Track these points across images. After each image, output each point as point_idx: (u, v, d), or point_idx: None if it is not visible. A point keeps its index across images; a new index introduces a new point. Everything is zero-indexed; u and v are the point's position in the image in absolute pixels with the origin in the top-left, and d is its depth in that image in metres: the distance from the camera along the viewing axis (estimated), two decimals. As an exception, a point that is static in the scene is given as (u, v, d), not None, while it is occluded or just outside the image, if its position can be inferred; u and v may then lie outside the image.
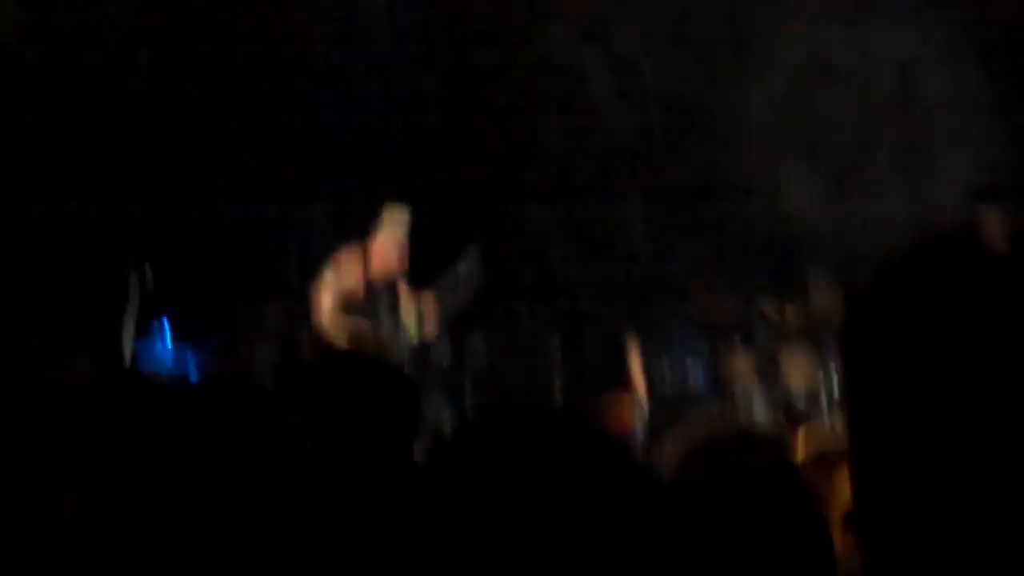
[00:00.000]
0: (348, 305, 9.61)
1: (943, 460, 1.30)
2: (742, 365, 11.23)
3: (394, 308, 9.77)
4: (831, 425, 10.38)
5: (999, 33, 12.58)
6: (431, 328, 10.04)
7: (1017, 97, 12.58)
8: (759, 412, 10.98)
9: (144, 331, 10.97)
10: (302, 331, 10.20)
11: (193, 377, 8.66)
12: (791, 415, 10.79)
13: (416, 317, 9.85)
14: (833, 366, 10.47)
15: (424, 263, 10.26)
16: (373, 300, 9.69)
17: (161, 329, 11.14)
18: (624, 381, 11.31)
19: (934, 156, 12.99)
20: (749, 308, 11.68)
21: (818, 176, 13.08)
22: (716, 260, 11.55)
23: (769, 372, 11.43)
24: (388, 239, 9.85)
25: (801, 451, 4.37)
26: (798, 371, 11.33)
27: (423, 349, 10.15)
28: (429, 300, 9.96)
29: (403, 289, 9.86)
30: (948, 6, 12.73)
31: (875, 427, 1.36)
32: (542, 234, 13.21)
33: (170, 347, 10.96)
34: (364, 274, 9.71)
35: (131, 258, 11.05)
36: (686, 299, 11.98)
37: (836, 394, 10.36)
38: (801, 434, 5.74)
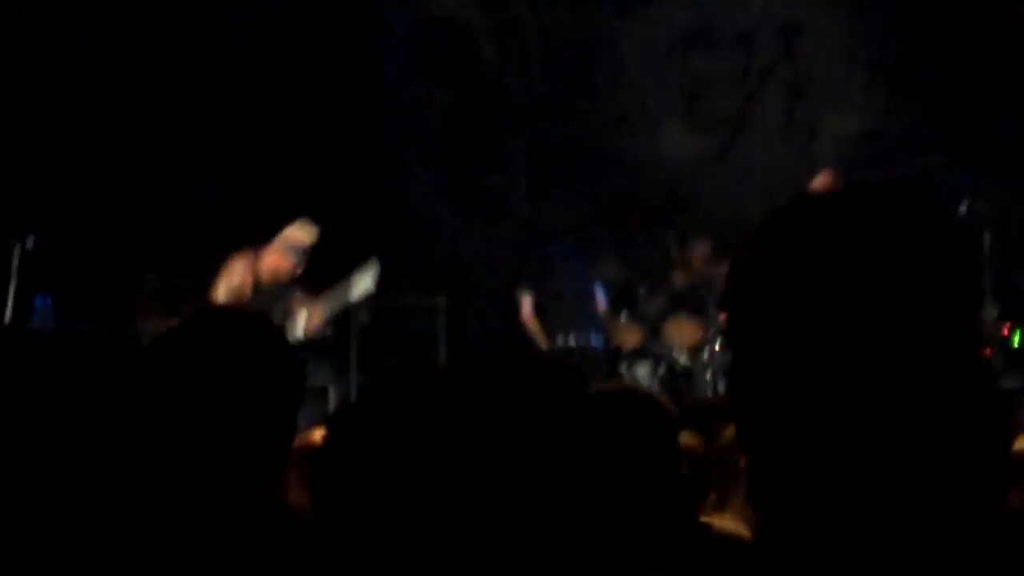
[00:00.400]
0: (237, 303, 9.88)
1: (819, 403, 1.40)
2: (628, 330, 11.27)
3: (283, 311, 10.04)
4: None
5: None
6: (315, 327, 10.28)
7: (901, 56, 12.70)
8: (642, 374, 11.05)
9: (24, 307, 10.87)
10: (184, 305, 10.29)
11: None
12: (672, 375, 10.89)
13: (304, 318, 10.11)
14: (714, 327, 10.54)
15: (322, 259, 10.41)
16: (261, 300, 9.94)
17: (43, 305, 11.03)
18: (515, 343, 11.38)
19: (816, 117, 13.10)
20: (632, 273, 11.72)
21: (700, 138, 13.17)
22: (598, 223, 11.55)
23: (654, 334, 11.51)
24: (282, 247, 10.05)
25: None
26: (681, 333, 11.41)
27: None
28: (316, 307, 10.20)
29: (295, 296, 10.08)
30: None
31: (756, 377, 1.45)
32: (426, 202, 13.21)
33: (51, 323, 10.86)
34: (253, 276, 10.00)
35: (11, 232, 10.92)
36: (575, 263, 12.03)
37: (717, 352, 10.45)
38: None
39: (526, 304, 11.44)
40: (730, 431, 3.75)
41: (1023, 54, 12.29)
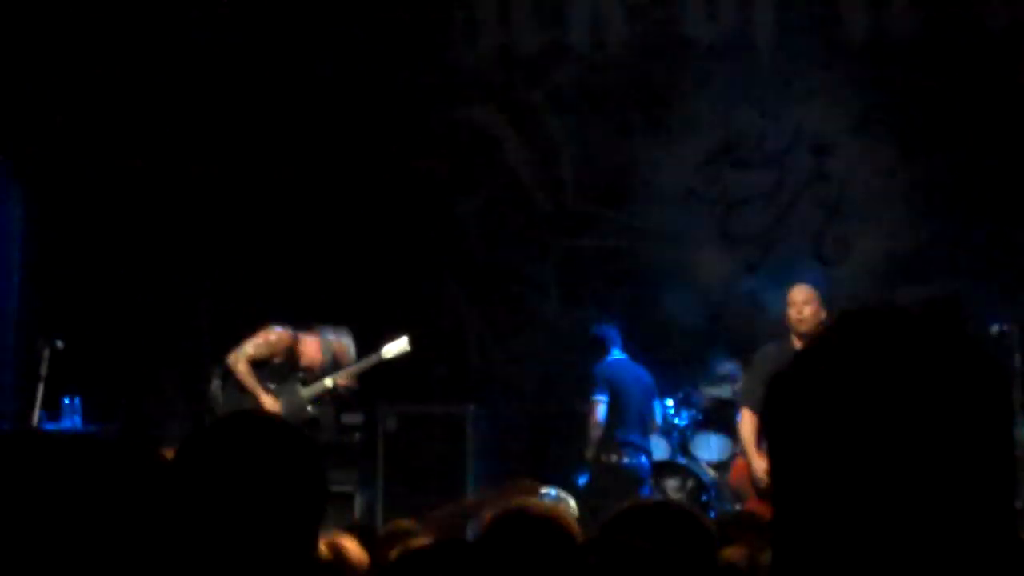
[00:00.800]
0: (260, 362, 9.98)
1: (854, 523, 1.43)
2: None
3: (303, 381, 10.11)
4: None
5: (912, 113, 12.74)
6: (346, 381, 10.37)
7: (934, 177, 12.73)
8: (672, 487, 11.02)
9: (53, 408, 10.94)
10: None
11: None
12: (700, 489, 10.84)
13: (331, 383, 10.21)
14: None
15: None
16: (287, 376, 10.00)
17: (71, 406, 11.07)
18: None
19: (848, 236, 13.11)
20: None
21: (732, 253, 13.20)
22: (629, 338, 11.54)
23: (683, 449, 11.48)
24: (323, 347, 10.19)
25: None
26: (709, 448, 11.40)
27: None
28: (349, 365, 10.30)
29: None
30: (861, 86, 12.92)
31: (795, 495, 1.49)
32: (456, 310, 13.26)
33: (79, 425, 10.86)
34: (289, 350, 10.09)
35: (40, 334, 11.04)
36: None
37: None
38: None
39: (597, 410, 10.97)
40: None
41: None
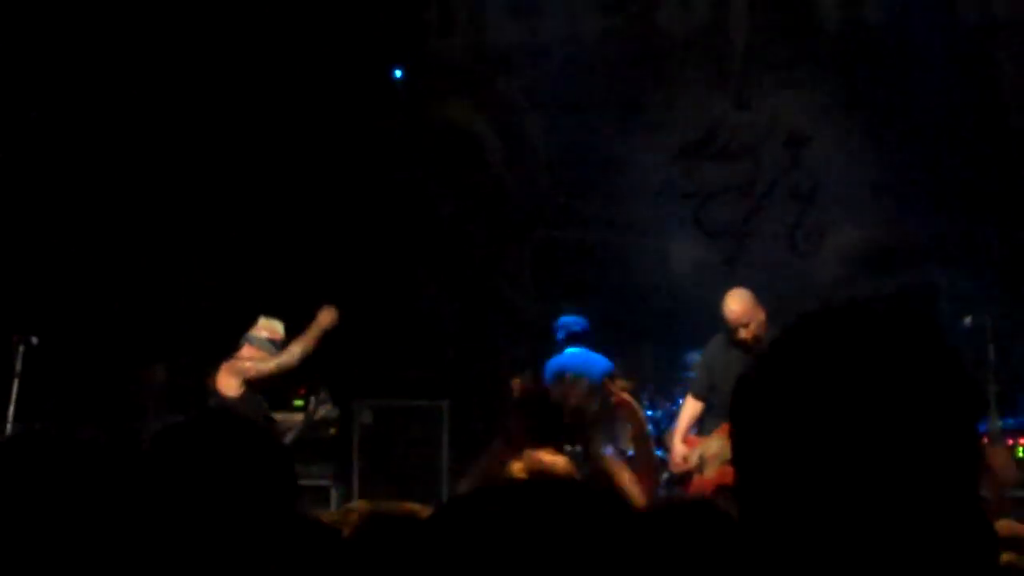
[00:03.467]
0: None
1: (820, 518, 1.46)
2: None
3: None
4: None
5: (887, 106, 12.78)
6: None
7: (908, 169, 12.77)
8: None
9: (28, 406, 10.89)
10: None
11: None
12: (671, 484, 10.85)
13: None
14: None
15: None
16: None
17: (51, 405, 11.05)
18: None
19: (821, 227, 13.14)
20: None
21: (706, 245, 13.22)
22: (605, 329, 11.53)
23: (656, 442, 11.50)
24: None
25: None
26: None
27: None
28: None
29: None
30: (835, 78, 12.94)
31: (760, 492, 1.51)
32: (432, 304, 13.25)
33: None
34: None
35: (14, 331, 10.97)
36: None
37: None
38: None
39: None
40: None
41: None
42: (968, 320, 10.23)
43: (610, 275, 13.14)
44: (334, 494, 11.62)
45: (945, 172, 12.56)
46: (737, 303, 9.29)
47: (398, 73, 13.55)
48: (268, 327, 9.82)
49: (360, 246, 12.97)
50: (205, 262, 12.74)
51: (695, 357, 11.58)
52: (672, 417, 11.74)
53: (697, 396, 9.45)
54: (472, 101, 13.55)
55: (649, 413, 11.77)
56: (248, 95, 12.79)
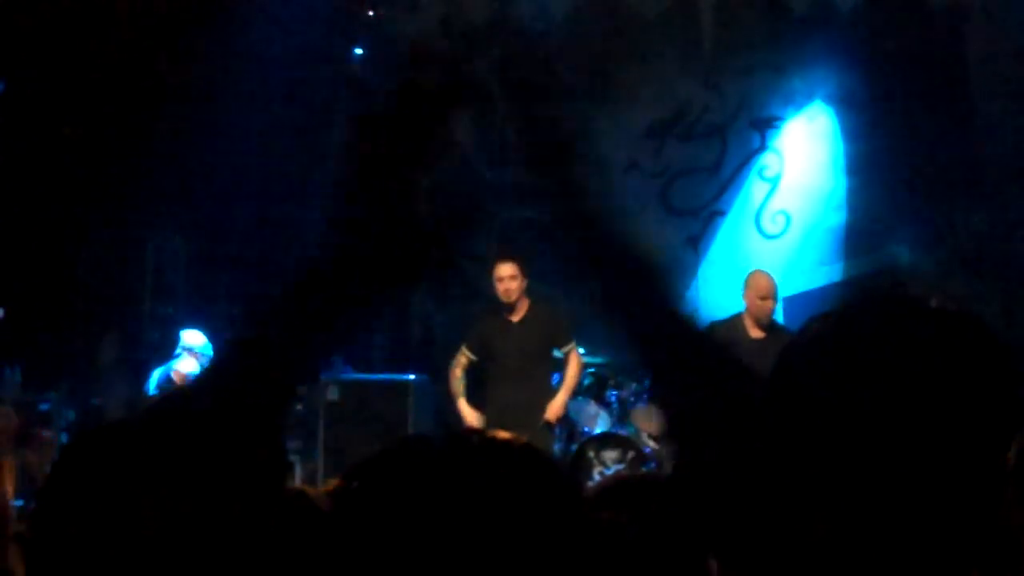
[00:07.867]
0: None
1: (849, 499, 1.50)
2: (595, 414, 11.23)
3: None
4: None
5: (855, 86, 12.81)
6: None
7: (872, 150, 12.82)
8: (612, 458, 11.05)
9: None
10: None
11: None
12: (642, 461, 10.89)
13: None
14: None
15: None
16: None
17: (11, 376, 11.00)
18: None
19: (788, 209, 13.20)
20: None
21: (674, 224, 13.25)
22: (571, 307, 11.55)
23: (620, 420, 11.52)
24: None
25: None
26: (649, 421, 11.43)
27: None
28: None
29: None
30: (804, 60, 12.96)
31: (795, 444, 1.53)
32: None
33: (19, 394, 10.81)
34: None
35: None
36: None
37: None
38: None
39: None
40: None
41: (989, 150, 12.44)
42: (932, 303, 10.30)
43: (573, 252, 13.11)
44: (299, 470, 11.61)
45: (912, 154, 12.60)
46: (766, 278, 9.78)
47: (358, 51, 13.52)
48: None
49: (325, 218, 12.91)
50: (167, 234, 12.67)
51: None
52: (639, 395, 11.79)
53: None
54: (439, 77, 13.50)
55: (614, 392, 11.82)
56: (209, 70, 12.71)
